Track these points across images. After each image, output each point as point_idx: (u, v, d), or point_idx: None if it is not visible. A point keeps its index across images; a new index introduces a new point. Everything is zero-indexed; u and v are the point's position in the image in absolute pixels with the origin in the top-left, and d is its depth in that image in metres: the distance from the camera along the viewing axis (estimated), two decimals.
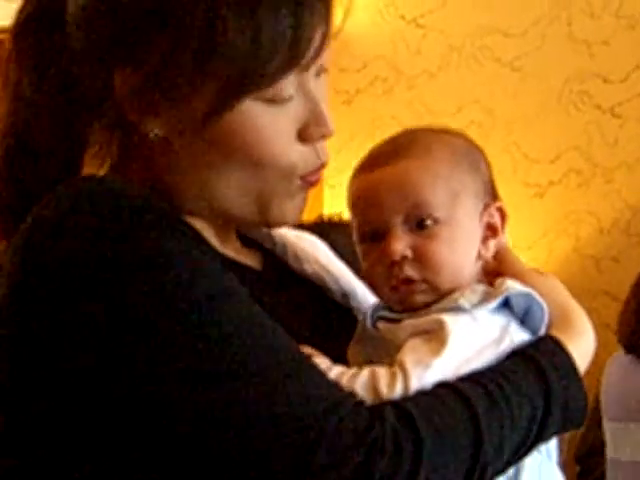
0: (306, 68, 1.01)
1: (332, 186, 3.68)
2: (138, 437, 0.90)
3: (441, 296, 1.05)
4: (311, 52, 1.00)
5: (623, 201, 3.83)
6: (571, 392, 1.01)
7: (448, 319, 1.00)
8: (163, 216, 0.96)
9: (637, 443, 3.27)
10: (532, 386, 0.98)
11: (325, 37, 1.00)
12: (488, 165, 1.12)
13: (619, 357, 3.31)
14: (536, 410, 0.97)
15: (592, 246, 3.86)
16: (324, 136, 1.04)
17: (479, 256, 1.09)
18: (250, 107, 0.99)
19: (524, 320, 1.05)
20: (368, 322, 1.10)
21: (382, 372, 0.96)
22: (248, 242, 1.14)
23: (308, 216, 1.08)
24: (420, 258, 1.05)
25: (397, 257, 1.05)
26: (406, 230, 1.06)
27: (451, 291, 1.05)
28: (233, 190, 1.02)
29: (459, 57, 4.03)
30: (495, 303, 1.02)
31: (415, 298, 1.06)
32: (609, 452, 3.32)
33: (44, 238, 0.94)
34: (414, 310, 1.06)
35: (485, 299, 1.03)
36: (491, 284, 1.06)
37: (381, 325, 1.09)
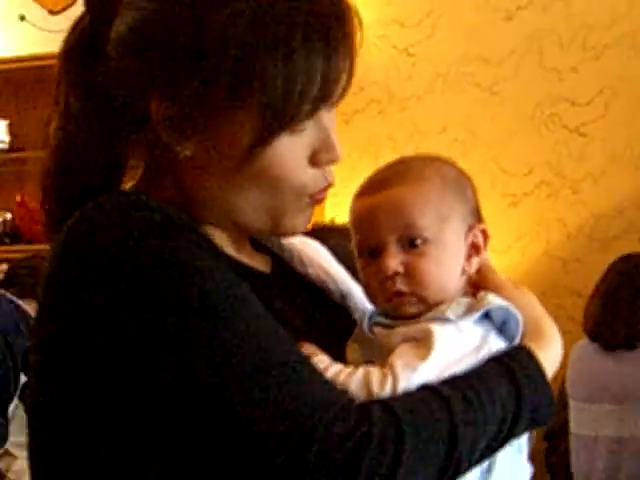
0: (332, 106, 1.01)
1: (334, 194, 3.66)
2: (164, 419, 0.90)
3: (430, 307, 1.04)
4: (338, 92, 0.99)
5: (588, 210, 3.83)
6: (539, 396, 1.00)
7: (435, 328, 0.99)
8: (183, 228, 0.96)
9: (597, 420, 3.27)
10: (505, 390, 0.97)
11: (350, 78, 1.00)
12: (474, 191, 1.11)
13: (584, 345, 3.32)
14: (507, 411, 0.96)
15: (560, 249, 3.86)
16: (332, 161, 1.03)
17: (463, 272, 1.08)
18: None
19: (502, 330, 1.04)
20: (365, 326, 1.09)
21: (375, 373, 0.96)
22: (259, 247, 1.13)
23: (313, 218, 1.08)
24: (410, 273, 1.04)
25: (390, 273, 1.04)
26: (399, 248, 1.05)
27: (439, 303, 1.04)
28: (251, 205, 1.02)
29: (444, 83, 4.03)
30: (477, 315, 1.02)
31: (406, 309, 1.05)
32: (572, 429, 3.33)
33: (80, 244, 0.95)
34: (406, 319, 1.05)
35: (469, 311, 1.02)
36: (474, 295, 1.06)
37: (377, 330, 1.08)
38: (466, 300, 1.04)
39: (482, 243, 1.09)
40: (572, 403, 3.31)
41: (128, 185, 1.07)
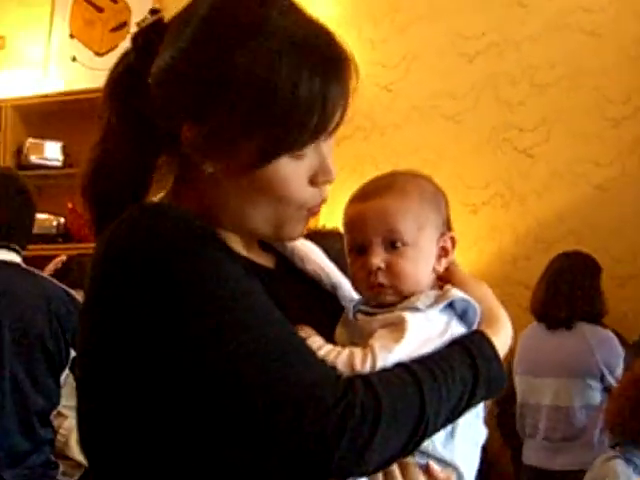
0: (328, 136, 1.00)
1: (326, 204, 3.65)
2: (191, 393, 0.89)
3: (404, 298, 1.04)
4: (333, 123, 0.99)
5: (534, 218, 3.83)
6: (493, 372, 1.00)
7: (408, 316, 0.99)
8: (204, 232, 0.96)
9: (539, 391, 3.28)
10: (465, 367, 0.97)
11: (344, 111, 0.99)
12: (447, 204, 1.11)
13: (533, 327, 3.32)
14: (467, 385, 0.97)
15: (511, 250, 3.86)
16: (329, 182, 1.03)
17: (434, 270, 1.08)
18: (281, 160, 0.98)
19: (462, 317, 1.04)
20: (350, 313, 1.09)
21: (357, 353, 0.96)
22: (265, 246, 1.13)
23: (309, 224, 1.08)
24: (390, 270, 1.04)
25: (374, 268, 1.04)
26: (382, 248, 1.05)
27: (412, 295, 1.04)
28: (259, 216, 1.01)
29: (418, 114, 4.03)
30: (442, 305, 1.02)
31: (385, 298, 1.05)
32: (519, 398, 3.33)
33: (120, 247, 0.94)
34: (384, 307, 1.05)
35: (435, 302, 1.02)
36: (441, 288, 1.06)
37: (360, 316, 1.07)
38: (433, 292, 1.04)
39: (450, 247, 1.09)
40: (518, 377, 3.30)
41: (158, 196, 1.06)
